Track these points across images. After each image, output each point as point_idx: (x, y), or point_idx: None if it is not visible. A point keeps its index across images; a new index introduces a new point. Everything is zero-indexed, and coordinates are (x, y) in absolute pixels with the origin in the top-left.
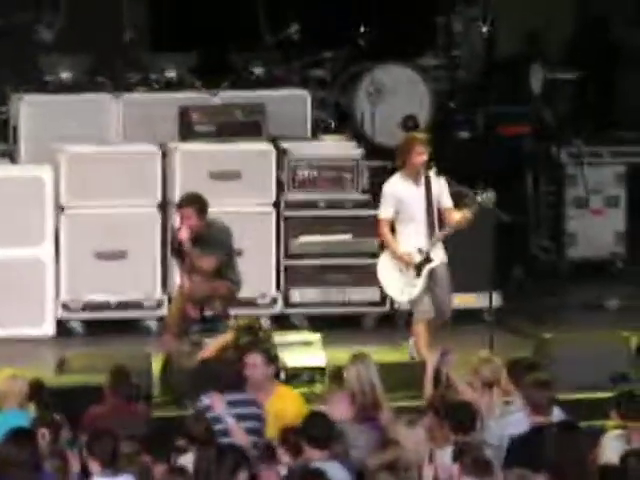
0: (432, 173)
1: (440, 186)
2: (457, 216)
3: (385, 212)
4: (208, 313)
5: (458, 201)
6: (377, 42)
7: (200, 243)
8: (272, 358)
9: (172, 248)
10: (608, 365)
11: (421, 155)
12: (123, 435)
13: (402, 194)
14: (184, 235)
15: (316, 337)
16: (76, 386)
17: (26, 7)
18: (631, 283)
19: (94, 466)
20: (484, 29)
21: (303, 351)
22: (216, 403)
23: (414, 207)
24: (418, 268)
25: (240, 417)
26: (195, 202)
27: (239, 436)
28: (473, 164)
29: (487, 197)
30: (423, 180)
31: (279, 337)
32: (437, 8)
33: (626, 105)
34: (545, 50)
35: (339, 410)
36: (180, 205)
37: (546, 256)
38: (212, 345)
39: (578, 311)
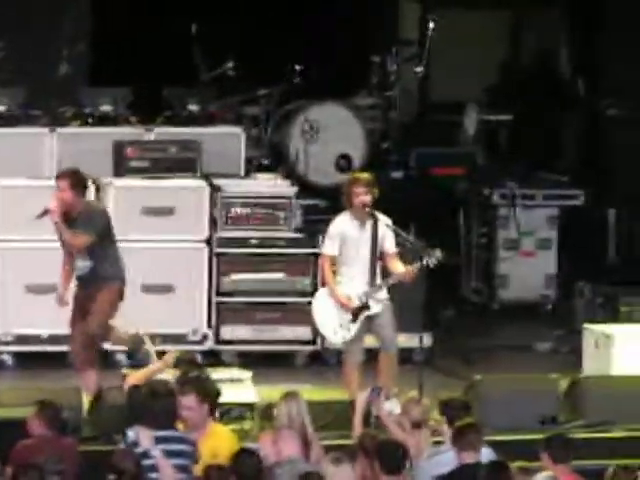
0: (379, 216)
1: (385, 230)
2: (401, 268)
3: (328, 249)
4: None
5: (405, 255)
6: (312, 80)
7: (73, 221)
8: (215, 394)
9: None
10: (537, 407)
11: (361, 196)
12: (51, 469)
13: (347, 234)
14: (52, 206)
15: (247, 374)
16: (5, 420)
17: None
18: (561, 326)
19: None
20: (419, 69)
21: (233, 387)
22: (143, 438)
23: (358, 248)
24: (355, 314)
25: (170, 453)
26: (70, 176)
27: (167, 472)
28: (406, 204)
29: (434, 256)
30: (370, 222)
31: (210, 373)
32: (373, 47)
33: (559, 147)
34: (479, 91)
35: (268, 448)
36: (56, 177)
37: (477, 297)
38: (141, 372)
39: (508, 353)
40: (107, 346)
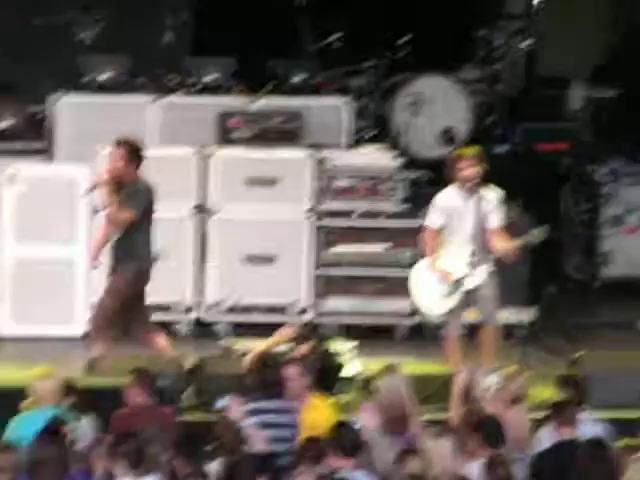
0: (487, 190)
1: (491, 204)
2: (505, 244)
3: (432, 221)
4: None
5: (509, 231)
6: (418, 53)
7: (121, 193)
8: (338, 368)
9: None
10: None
11: (466, 170)
12: (150, 437)
13: (451, 207)
14: (103, 175)
15: (349, 346)
16: (104, 387)
17: (67, 7)
18: None
19: (119, 468)
20: (525, 43)
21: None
22: (234, 408)
23: (462, 222)
24: (454, 286)
25: (268, 425)
26: (126, 145)
27: (257, 442)
28: (509, 179)
29: (540, 232)
30: (475, 196)
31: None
32: (479, 21)
33: None
34: (585, 67)
35: (368, 420)
36: (113, 145)
37: (580, 274)
38: (259, 345)
39: (610, 330)
40: (206, 316)
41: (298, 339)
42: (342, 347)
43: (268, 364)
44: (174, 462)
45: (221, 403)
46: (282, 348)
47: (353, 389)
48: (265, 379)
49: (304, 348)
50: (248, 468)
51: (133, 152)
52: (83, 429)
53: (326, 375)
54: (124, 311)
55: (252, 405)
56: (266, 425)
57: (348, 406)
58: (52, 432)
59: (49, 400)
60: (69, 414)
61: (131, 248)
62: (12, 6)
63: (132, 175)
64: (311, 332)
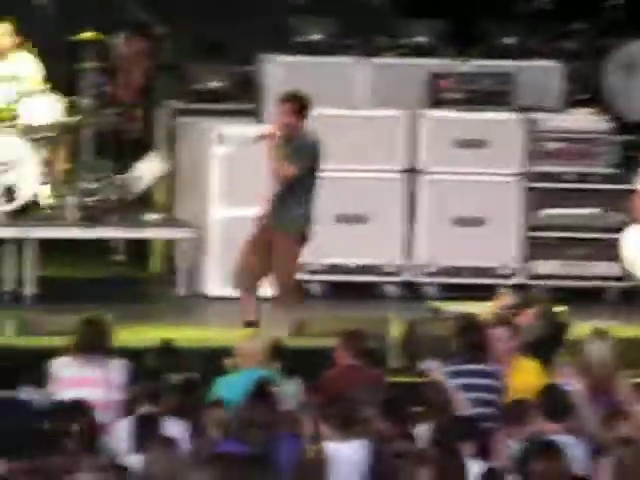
0: None
1: None
2: None
3: None
4: None
5: None
6: (629, 14)
7: (288, 146)
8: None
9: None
10: None
11: None
12: (358, 400)
13: None
14: (273, 130)
15: (560, 310)
16: (313, 349)
17: None
18: None
19: (327, 430)
20: None
21: None
22: (435, 370)
23: None
24: None
25: (471, 387)
26: (295, 100)
27: (460, 405)
28: None
29: None
30: None
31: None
32: None
33: None
34: None
35: (574, 384)
36: (280, 100)
37: None
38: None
39: None
40: (414, 278)
41: (518, 306)
42: None
43: (474, 326)
44: (381, 424)
45: (424, 365)
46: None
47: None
48: (470, 341)
49: (529, 314)
50: (457, 431)
51: (302, 107)
52: (291, 391)
53: (551, 342)
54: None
55: (454, 367)
56: (468, 387)
57: (555, 369)
58: (260, 393)
59: (256, 361)
60: (276, 375)
61: (291, 205)
62: None
63: (300, 130)
64: (534, 298)
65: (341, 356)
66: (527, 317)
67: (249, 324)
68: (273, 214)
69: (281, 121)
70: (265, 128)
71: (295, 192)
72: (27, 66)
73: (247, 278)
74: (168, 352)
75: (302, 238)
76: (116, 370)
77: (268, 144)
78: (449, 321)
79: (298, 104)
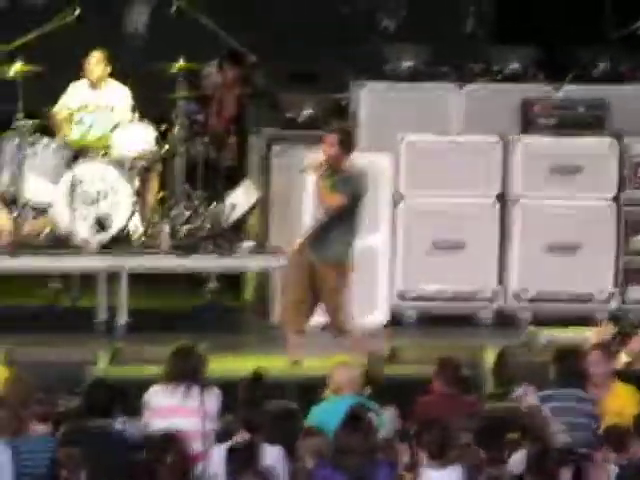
0: None
1: None
2: None
3: None
4: None
5: None
6: None
7: (334, 177)
8: None
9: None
10: None
11: None
12: (454, 426)
13: None
14: (319, 159)
15: None
16: (407, 376)
17: None
18: None
19: (422, 456)
20: None
21: None
22: (529, 395)
23: None
24: None
25: (565, 412)
26: (340, 132)
27: (556, 430)
28: None
29: None
30: None
31: None
32: None
33: None
34: None
35: None
36: (328, 131)
37: None
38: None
39: None
40: (508, 305)
41: (619, 333)
42: None
43: (571, 353)
44: (476, 451)
45: (518, 392)
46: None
47: None
48: (567, 368)
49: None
50: (554, 458)
51: (346, 139)
52: (386, 418)
53: None
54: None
55: (549, 392)
56: (563, 411)
57: None
58: (356, 420)
59: (350, 389)
60: (371, 403)
61: (336, 236)
62: None
63: (344, 162)
64: (631, 327)
65: (436, 383)
66: (631, 348)
67: (295, 362)
68: (317, 245)
69: (327, 152)
70: (314, 158)
71: (340, 223)
72: (119, 95)
73: (297, 319)
74: (259, 382)
75: (348, 269)
76: (210, 399)
77: (316, 174)
78: (544, 347)
79: (342, 136)
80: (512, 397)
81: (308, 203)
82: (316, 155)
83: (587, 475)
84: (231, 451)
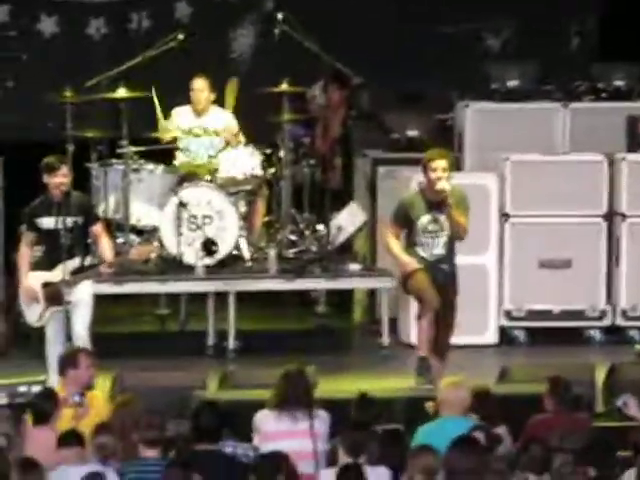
0: None
1: None
2: None
3: None
4: None
5: None
6: None
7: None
8: None
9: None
10: None
11: None
12: (560, 445)
13: None
14: (447, 187)
15: None
16: (518, 395)
17: (474, 15)
18: None
19: (526, 474)
20: None
21: None
22: (631, 406)
23: None
24: None
25: None
26: (449, 157)
27: None
28: None
29: None
30: None
31: None
32: None
33: None
34: None
35: None
36: (439, 157)
37: None
38: None
39: None
40: (619, 321)
41: None
42: None
43: None
44: (585, 469)
45: (620, 401)
46: None
47: None
48: None
49: None
50: None
51: (452, 163)
52: (501, 437)
53: None
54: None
55: None
56: None
57: None
58: (469, 441)
59: (461, 409)
60: (482, 423)
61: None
62: (420, 15)
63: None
64: None
65: (547, 402)
66: None
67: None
68: (450, 271)
69: (444, 178)
70: (443, 186)
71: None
72: (225, 120)
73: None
74: (367, 403)
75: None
76: (319, 422)
77: (443, 203)
78: None
79: (450, 160)
80: (615, 407)
81: None
82: (442, 184)
83: None
84: (339, 473)
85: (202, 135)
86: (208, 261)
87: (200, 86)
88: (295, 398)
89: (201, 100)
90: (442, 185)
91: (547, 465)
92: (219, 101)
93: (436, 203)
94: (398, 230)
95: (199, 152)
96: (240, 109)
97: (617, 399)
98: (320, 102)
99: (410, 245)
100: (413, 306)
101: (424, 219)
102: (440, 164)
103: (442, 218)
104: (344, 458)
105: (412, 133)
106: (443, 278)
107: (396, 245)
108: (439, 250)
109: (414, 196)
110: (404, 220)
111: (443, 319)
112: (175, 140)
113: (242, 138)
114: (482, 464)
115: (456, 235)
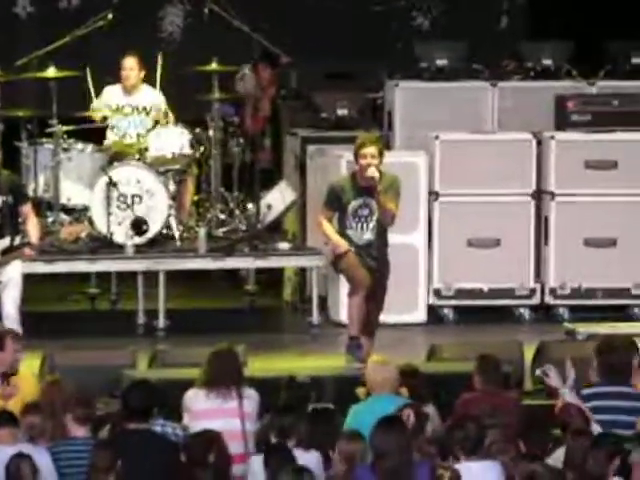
0: None
1: None
2: None
3: None
4: None
5: None
6: None
7: (383, 186)
8: None
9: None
10: None
11: None
12: (492, 423)
13: None
14: (376, 174)
15: None
16: (446, 374)
17: None
18: None
19: (457, 453)
20: None
21: None
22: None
23: None
24: None
25: (607, 410)
26: (380, 142)
27: (596, 427)
28: None
29: None
30: None
31: None
32: None
33: None
34: None
35: None
36: (366, 145)
37: None
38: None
39: None
40: (547, 300)
41: None
42: None
43: (612, 348)
44: (515, 446)
45: (537, 372)
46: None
47: None
48: (609, 363)
49: None
50: (600, 452)
51: (383, 148)
52: (428, 416)
53: None
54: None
55: (591, 390)
56: (606, 410)
57: None
58: (391, 421)
59: (389, 387)
60: (408, 401)
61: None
62: None
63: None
64: None
65: (476, 380)
66: None
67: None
68: (381, 254)
69: (374, 165)
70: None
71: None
72: (153, 99)
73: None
74: (295, 386)
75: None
76: (249, 401)
77: (374, 188)
78: (583, 343)
79: (382, 147)
80: (536, 376)
81: None
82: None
83: (630, 471)
84: (267, 454)
85: (132, 114)
86: (138, 240)
87: (130, 64)
88: (224, 377)
89: (131, 78)
90: (372, 172)
91: (480, 444)
92: (149, 80)
93: (366, 188)
94: (330, 213)
95: (129, 130)
96: (170, 87)
97: (537, 369)
98: (250, 81)
99: (341, 229)
100: (343, 285)
101: (355, 203)
102: (370, 151)
103: (372, 203)
104: (272, 439)
105: (341, 112)
106: (373, 261)
107: (328, 227)
108: (369, 235)
109: (345, 180)
110: (336, 204)
111: (372, 298)
112: (105, 119)
113: (171, 117)
114: (408, 443)
115: (384, 221)
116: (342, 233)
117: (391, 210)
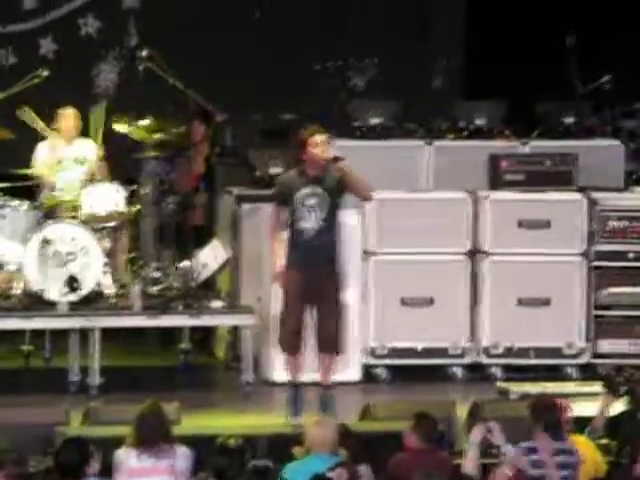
0: None
1: None
2: None
3: None
4: None
5: None
6: None
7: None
8: None
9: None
10: None
11: None
12: None
13: None
14: (332, 154)
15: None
16: (380, 433)
17: (340, 53)
18: None
19: None
20: None
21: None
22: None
23: None
24: None
25: (542, 465)
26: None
27: None
28: None
29: None
30: None
31: (587, 387)
32: None
33: None
34: None
35: None
36: (317, 132)
37: None
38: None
39: None
40: (480, 359)
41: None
42: None
43: (546, 404)
44: None
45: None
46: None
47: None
48: (544, 420)
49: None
50: None
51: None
52: (361, 476)
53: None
54: None
55: (526, 444)
56: (540, 465)
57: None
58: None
59: (324, 447)
60: (345, 460)
61: None
62: (288, 51)
63: None
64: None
65: (412, 440)
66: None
67: None
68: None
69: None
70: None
71: None
72: (90, 150)
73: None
74: (227, 452)
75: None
76: (181, 459)
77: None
78: (516, 402)
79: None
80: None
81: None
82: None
83: None
84: None
85: (70, 168)
86: (72, 297)
87: (73, 113)
88: (152, 436)
89: (72, 128)
90: (329, 153)
91: None
92: (82, 133)
93: (315, 178)
94: (282, 209)
95: (66, 186)
96: (104, 143)
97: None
98: (183, 139)
99: (293, 221)
100: (275, 344)
101: (303, 191)
102: (321, 138)
103: (321, 192)
104: None
105: (275, 170)
106: (323, 263)
107: (275, 247)
108: (318, 224)
109: (292, 174)
110: (287, 197)
111: (321, 312)
112: (40, 177)
113: (107, 172)
114: None
115: (362, 194)
116: (295, 228)
117: (364, 181)
